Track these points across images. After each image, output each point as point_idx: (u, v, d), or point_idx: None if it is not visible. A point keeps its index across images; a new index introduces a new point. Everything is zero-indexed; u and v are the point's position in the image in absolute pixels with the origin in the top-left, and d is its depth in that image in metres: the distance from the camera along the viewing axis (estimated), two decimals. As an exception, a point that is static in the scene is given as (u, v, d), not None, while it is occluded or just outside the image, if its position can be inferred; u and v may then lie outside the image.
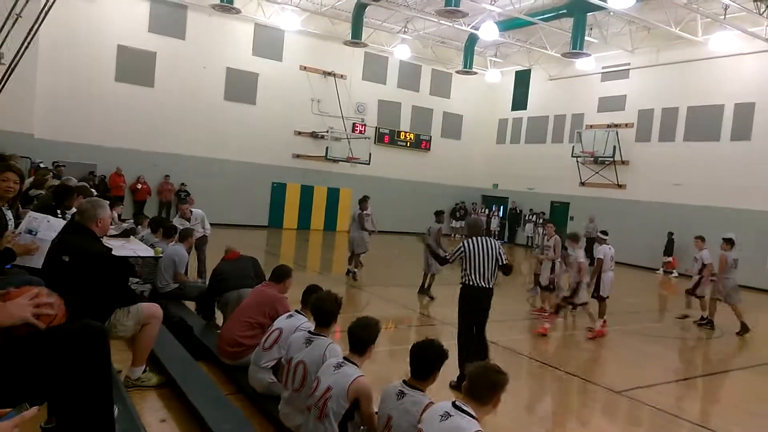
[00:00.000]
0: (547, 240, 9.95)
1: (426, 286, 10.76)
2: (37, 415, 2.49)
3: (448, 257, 5.91)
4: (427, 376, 3.26)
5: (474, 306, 5.73)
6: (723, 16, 15.31)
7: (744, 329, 9.78)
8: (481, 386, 2.86)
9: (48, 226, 4.37)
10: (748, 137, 17.07)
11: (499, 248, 5.82)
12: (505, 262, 5.80)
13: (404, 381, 3.27)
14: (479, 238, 5.76)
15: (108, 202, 4.42)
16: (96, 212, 3.92)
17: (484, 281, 5.65)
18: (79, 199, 5.79)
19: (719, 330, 10.20)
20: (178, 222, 9.10)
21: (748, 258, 16.50)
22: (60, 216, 5.38)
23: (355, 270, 11.99)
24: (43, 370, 2.29)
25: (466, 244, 5.71)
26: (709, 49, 17.42)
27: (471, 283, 5.67)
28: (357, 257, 12.07)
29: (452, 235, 24.28)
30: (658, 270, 18.65)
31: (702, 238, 10.79)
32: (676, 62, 18.84)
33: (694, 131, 18.51)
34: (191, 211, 9.28)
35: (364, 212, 12.03)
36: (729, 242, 10.22)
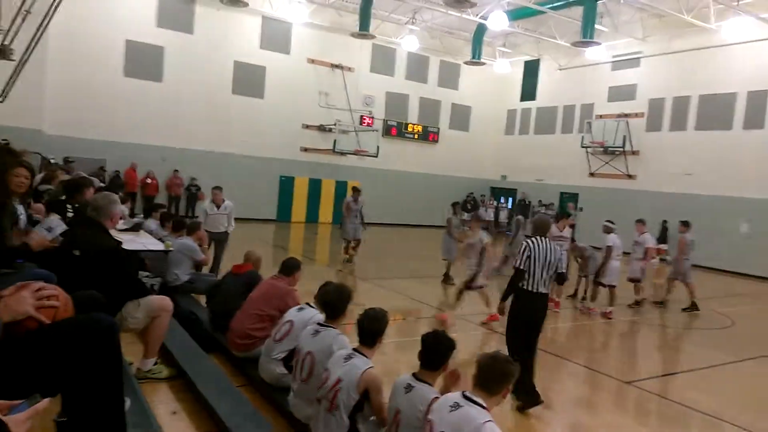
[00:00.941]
0: (560, 231, 9.69)
1: (448, 273, 11.16)
2: (51, 409, 2.51)
3: (520, 266, 5.13)
4: (436, 367, 3.25)
5: (528, 312, 5.15)
6: (736, 2, 15.05)
7: (694, 307, 10.40)
8: (491, 376, 2.87)
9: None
10: (762, 125, 16.82)
11: (561, 253, 5.34)
12: (563, 270, 5.34)
13: (413, 374, 3.26)
14: (543, 239, 5.23)
15: (119, 196, 4.46)
16: (110, 208, 4.00)
17: (544, 286, 5.14)
18: (89, 192, 5.80)
19: (729, 320, 10.12)
20: (208, 206, 9.14)
21: (761, 248, 16.40)
22: (70, 210, 5.43)
23: (346, 255, 12.88)
24: (53, 363, 2.29)
25: (531, 244, 5.16)
26: (721, 37, 17.14)
27: (529, 287, 5.10)
28: (356, 243, 12.91)
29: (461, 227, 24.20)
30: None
31: (643, 222, 10.53)
32: (687, 50, 18.55)
33: (706, 120, 18.26)
34: (224, 200, 9.21)
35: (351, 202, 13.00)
36: (686, 224, 10.70)
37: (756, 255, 16.50)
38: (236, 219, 9.50)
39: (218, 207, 9.08)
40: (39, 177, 8.14)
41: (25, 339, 2.30)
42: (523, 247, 5.20)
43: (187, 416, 4.05)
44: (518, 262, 5.16)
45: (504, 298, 5.32)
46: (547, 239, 5.25)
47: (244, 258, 6.32)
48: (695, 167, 18.26)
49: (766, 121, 16.70)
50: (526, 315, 5.16)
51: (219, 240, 9.08)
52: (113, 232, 4.27)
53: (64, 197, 5.82)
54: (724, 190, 17.42)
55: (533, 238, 5.24)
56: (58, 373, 2.31)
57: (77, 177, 7.08)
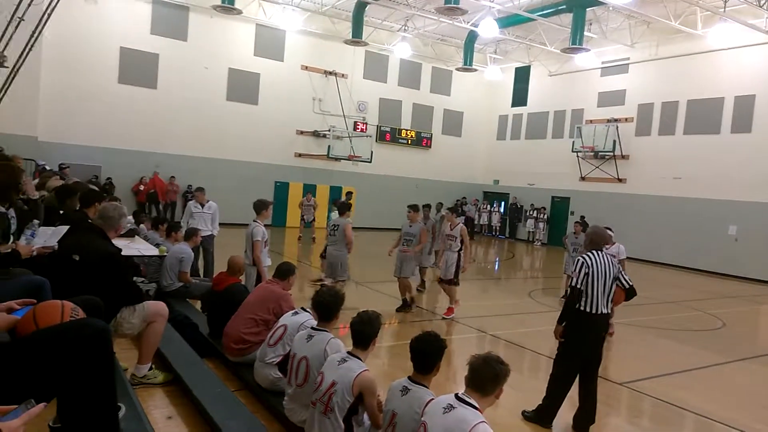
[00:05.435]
0: (451, 229, 8.91)
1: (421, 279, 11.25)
2: (46, 414, 2.52)
3: (578, 285, 4.69)
4: (429, 369, 3.28)
5: (594, 338, 4.78)
6: (723, 9, 15.26)
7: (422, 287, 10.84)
8: (484, 377, 2.90)
9: (54, 233, 4.47)
10: (749, 129, 17.05)
11: (619, 265, 4.92)
12: (630, 284, 4.89)
13: (409, 377, 3.30)
14: (599, 252, 4.78)
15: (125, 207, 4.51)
16: (119, 221, 4.09)
17: (606, 307, 4.73)
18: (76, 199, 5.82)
19: (720, 321, 10.22)
20: (193, 205, 9.25)
21: (749, 250, 16.59)
22: (61, 215, 5.46)
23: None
24: (46, 368, 2.30)
25: (589, 261, 4.71)
26: (708, 43, 17.38)
27: (592, 309, 4.65)
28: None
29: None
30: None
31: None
32: (675, 56, 18.80)
33: (694, 124, 18.48)
34: (208, 200, 9.37)
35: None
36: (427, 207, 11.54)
37: (744, 257, 16.70)
38: (232, 224, 9.53)
39: (202, 206, 9.21)
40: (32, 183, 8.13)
41: (16, 344, 2.33)
42: (580, 263, 4.74)
43: (183, 421, 4.07)
44: (575, 280, 4.72)
45: (560, 321, 4.86)
46: (602, 252, 4.82)
47: (227, 266, 6.21)
48: (684, 171, 18.46)
49: (753, 125, 16.93)
50: (590, 342, 4.77)
51: (206, 245, 9.09)
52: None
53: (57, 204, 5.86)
54: (713, 193, 17.62)
55: (590, 253, 4.79)
56: (51, 378, 2.32)
57: (70, 183, 7.10)
